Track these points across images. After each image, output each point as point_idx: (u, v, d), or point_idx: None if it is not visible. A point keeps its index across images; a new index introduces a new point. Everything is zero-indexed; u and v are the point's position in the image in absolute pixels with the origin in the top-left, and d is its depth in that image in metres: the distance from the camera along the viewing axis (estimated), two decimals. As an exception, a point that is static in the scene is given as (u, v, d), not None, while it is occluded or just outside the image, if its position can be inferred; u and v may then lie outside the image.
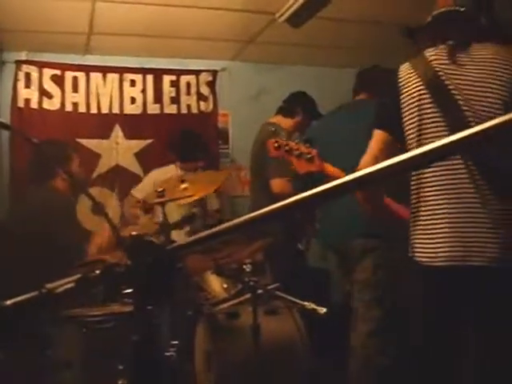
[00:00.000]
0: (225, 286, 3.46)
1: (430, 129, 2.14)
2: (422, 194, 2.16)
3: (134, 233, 0.80)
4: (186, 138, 5.20)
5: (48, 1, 4.43)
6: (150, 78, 5.81)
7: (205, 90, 6.04)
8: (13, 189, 5.18)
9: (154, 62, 5.85)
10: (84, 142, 5.47)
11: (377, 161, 2.22)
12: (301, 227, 4.37)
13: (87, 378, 2.56)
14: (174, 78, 5.93)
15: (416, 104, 2.19)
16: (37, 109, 5.39)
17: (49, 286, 1.07)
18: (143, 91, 5.78)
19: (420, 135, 2.17)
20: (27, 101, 5.38)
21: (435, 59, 2.20)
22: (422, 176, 2.16)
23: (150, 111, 5.80)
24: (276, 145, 2.52)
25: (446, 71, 2.15)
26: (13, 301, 1.03)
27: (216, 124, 6.09)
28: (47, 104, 5.43)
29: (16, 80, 5.36)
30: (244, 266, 3.24)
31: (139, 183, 5.35)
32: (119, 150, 5.63)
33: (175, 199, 3.13)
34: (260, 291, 2.93)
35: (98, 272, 0.97)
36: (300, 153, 2.47)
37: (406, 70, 2.28)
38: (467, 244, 1.98)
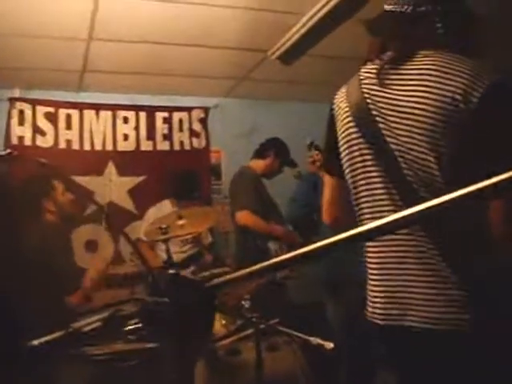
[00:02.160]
0: (223, 322, 3.44)
1: (360, 168, 1.79)
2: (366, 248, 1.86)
3: (171, 271, 0.81)
4: (182, 179, 5.25)
5: (43, 39, 4.47)
6: (142, 115, 5.87)
7: (197, 127, 6.09)
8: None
9: (146, 99, 5.92)
10: (77, 179, 5.45)
11: (334, 206, 2.04)
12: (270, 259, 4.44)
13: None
14: (166, 114, 5.98)
15: (345, 139, 1.84)
16: (30, 146, 5.39)
17: (75, 324, 1.07)
18: (136, 128, 5.83)
19: (352, 175, 1.84)
20: (20, 138, 5.38)
21: (365, 79, 1.80)
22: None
23: (142, 148, 5.84)
24: (311, 160, 2.62)
25: (372, 95, 1.75)
26: (40, 340, 1.03)
27: (208, 160, 6.15)
28: (40, 141, 5.44)
29: (9, 117, 5.38)
30: (243, 302, 3.23)
31: (137, 222, 5.35)
32: (112, 186, 5.65)
33: (178, 236, 3.12)
34: (262, 326, 2.91)
35: (130, 310, 0.97)
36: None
37: (338, 97, 1.91)
38: (404, 302, 1.67)
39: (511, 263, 1.58)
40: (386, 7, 1.82)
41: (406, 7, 1.75)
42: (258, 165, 4.88)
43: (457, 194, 0.73)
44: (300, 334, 2.50)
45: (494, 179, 0.69)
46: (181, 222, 3.40)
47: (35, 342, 0.96)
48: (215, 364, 3.16)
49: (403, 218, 0.73)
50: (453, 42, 1.71)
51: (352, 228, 1.92)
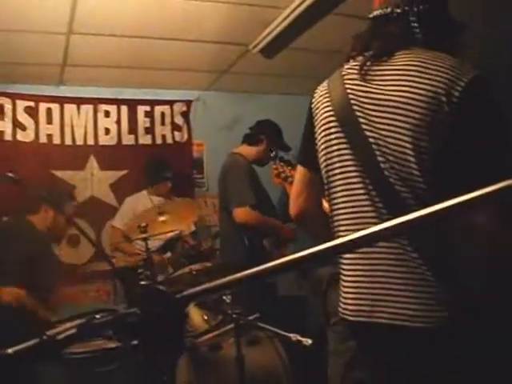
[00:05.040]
0: (205, 317, 3.46)
1: (337, 163, 1.81)
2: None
3: (143, 282, 0.82)
4: (149, 165, 5.38)
5: (22, 33, 4.43)
6: (124, 108, 5.83)
7: (179, 120, 6.08)
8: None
9: (128, 93, 5.88)
10: (59, 173, 5.44)
11: (302, 199, 2.01)
12: (268, 256, 4.32)
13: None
14: (148, 108, 5.96)
15: (323, 132, 1.85)
16: (11, 141, 5.35)
17: (50, 332, 1.07)
18: (118, 122, 5.80)
19: (327, 170, 1.85)
20: (1, 133, 5.33)
21: (347, 75, 1.83)
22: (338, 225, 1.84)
23: (124, 142, 5.81)
24: (276, 172, 2.59)
25: (354, 90, 1.79)
26: (14, 349, 1.03)
27: (191, 154, 6.14)
28: (21, 136, 5.40)
29: (-11, 112, 5.32)
30: (224, 297, 3.25)
31: (116, 213, 5.35)
32: (94, 181, 5.62)
33: (159, 234, 3.13)
34: (242, 322, 2.93)
35: (104, 319, 0.98)
36: (287, 176, 2.51)
37: (320, 92, 1.93)
38: (375, 298, 1.69)
39: (490, 262, 1.60)
40: (371, 15, 1.87)
41: (384, 9, 1.81)
42: (250, 152, 4.57)
43: (448, 204, 0.71)
44: (279, 331, 2.52)
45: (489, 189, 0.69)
46: (162, 218, 3.40)
47: (9, 351, 0.96)
48: (197, 359, 3.18)
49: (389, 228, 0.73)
50: (431, 40, 1.75)
51: (318, 225, 1.94)
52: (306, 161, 2.00)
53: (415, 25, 1.76)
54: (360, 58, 1.83)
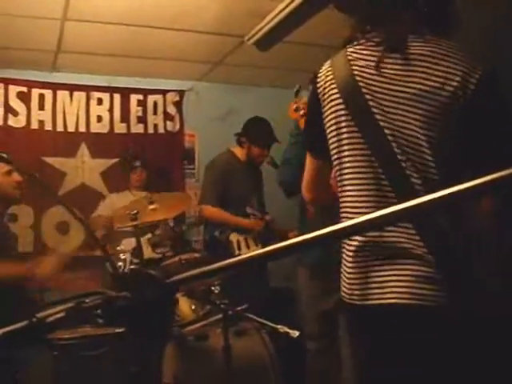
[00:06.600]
0: (193, 307, 3.46)
1: (348, 151, 1.77)
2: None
3: (133, 266, 0.82)
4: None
5: (16, 18, 4.40)
6: (117, 96, 5.81)
7: (172, 110, 6.06)
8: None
9: (121, 81, 5.86)
10: (49, 160, 5.42)
11: (315, 187, 2.04)
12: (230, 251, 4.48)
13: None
14: (141, 97, 5.93)
15: (333, 119, 1.80)
16: (1, 126, 5.33)
17: (39, 315, 1.07)
18: (110, 110, 5.78)
19: (340, 157, 1.81)
20: (-8, 117, 5.30)
21: (354, 60, 1.76)
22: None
23: (116, 130, 5.79)
24: (295, 107, 2.62)
25: (364, 77, 1.73)
26: (3, 330, 1.03)
27: (182, 144, 6.12)
28: (12, 121, 5.38)
29: (-19, 96, 5.28)
30: (212, 288, 3.25)
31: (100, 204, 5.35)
32: (85, 168, 5.61)
33: (148, 222, 3.12)
34: (230, 312, 2.94)
35: (93, 302, 0.98)
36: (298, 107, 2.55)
37: (324, 72, 1.84)
38: (382, 280, 1.68)
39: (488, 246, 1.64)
40: None
41: None
42: (240, 152, 4.80)
43: (455, 189, 0.71)
44: (267, 322, 2.52)
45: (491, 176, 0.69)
46: (152, 207, 3.40)
47: (-2, 332, 0.96)
48: (184, 349, 3.19)
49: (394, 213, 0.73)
50: (439, 27, 1.73)
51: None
52: (312, 148, 1.99)
53: (425, 8, 1.72)
54: (364, 40, 1.77)
